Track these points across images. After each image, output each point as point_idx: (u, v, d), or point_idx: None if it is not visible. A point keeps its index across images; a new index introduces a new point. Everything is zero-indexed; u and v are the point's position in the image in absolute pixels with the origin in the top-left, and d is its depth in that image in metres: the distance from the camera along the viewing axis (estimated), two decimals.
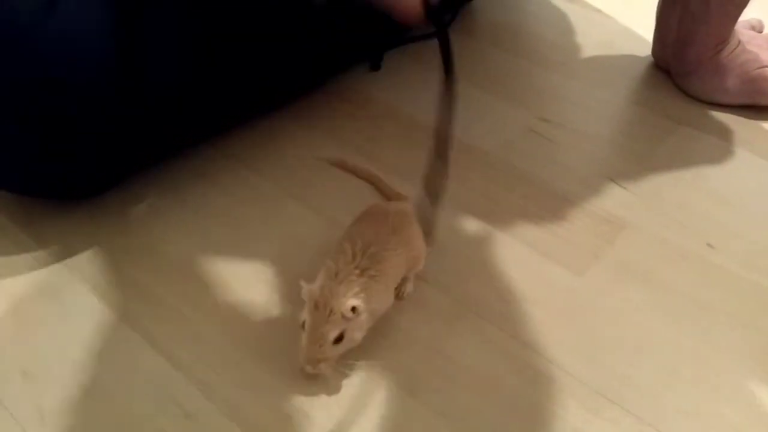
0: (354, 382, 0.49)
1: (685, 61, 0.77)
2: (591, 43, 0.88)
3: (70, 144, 0.56)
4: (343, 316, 0.45)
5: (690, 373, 0.50)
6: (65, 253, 0.59)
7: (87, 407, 0.48)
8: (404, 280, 0.53)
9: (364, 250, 0.48)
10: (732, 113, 0.75)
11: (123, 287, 0.56)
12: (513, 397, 0.48)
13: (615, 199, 0.64)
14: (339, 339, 0.46)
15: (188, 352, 0.51)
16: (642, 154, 0.70)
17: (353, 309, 0.45)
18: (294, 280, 0.55)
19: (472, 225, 0.61)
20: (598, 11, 0.94)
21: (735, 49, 0.75)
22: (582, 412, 0.47)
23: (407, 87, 0.79)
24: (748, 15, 0.77)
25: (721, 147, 0.70)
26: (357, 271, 0.47)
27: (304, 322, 0.46)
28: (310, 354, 0.46)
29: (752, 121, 0.74)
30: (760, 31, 0.85)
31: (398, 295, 0.53)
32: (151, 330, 0.52)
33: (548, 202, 0.63)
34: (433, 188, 0.52)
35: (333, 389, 0.48)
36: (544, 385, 0.49)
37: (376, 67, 0.81)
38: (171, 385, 0.49)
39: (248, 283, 0.56)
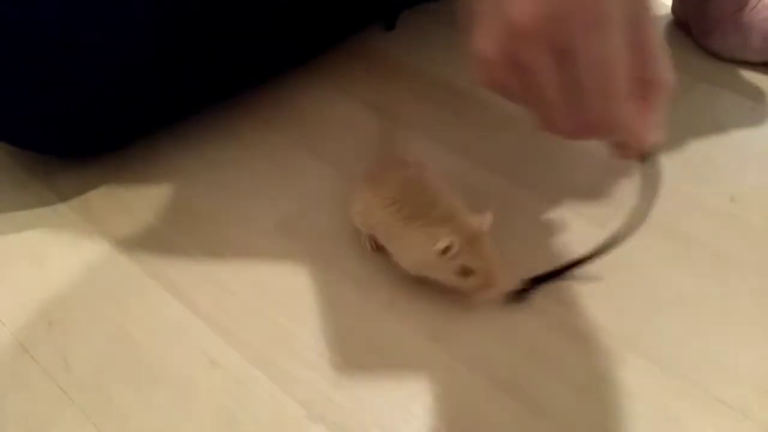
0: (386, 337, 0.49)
1: (707, 18, 0.76)
2: None
3: (81, 103, 0.56)
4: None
5: (714, 323, 0.50)
6: (86, 206, 0.59)
7: (111, 355, 0.48)
8: None
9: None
10: (753, 70, 0.74)
11: (144, 239, 0.56)
12: (539, 349, 0.48)
13: None
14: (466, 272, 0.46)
15: (211, 300, 0.51)
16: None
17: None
18: (313, 233, 0.56)
19: (490, 179, 0.61)
20: None
21: (757, 5, 0.74)
22: (608, 362, 0.47)
23: (424, 45, 0.78)
24: None
25: (742, 103, 0.70)
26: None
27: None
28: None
29: None
30: None
31: None
32: (173, 279, 0.53)
33: (570, 158, 0.63)
34: None
35: (368, 341, 0.48)
36: (570, 334, 0.49)
37: (390, 26, 0.80)
38: (194, 334, 0.49)
39: (268, 236, 0.56)
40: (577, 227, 0.56)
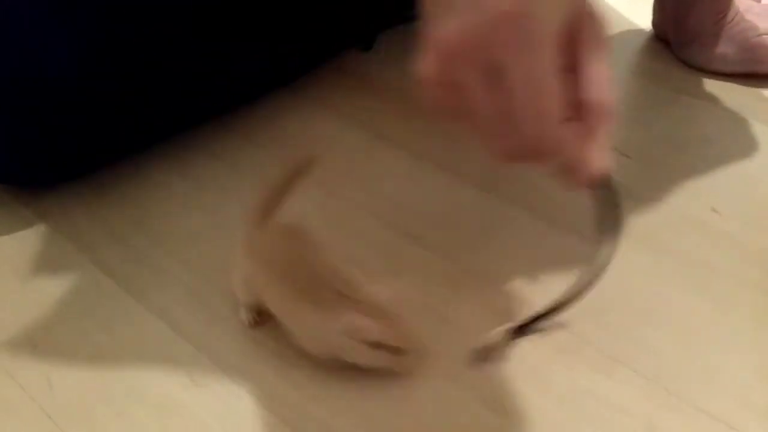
0: None
1: (685, 30, 0.77)
2: None
3: (34, 134, 0.57)
4: None
5: (698, 334, 0.50)
6: (69, 227, 0.59)
7: (94, 376, 0.48)
8: None
9: None
10: (732, 81, 0.75)
11: (128, 260, 0.56)
12: (522, 362, 0.48)
13: (619, 167, 0.64)
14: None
15: (194, 320, 0.51)
16: (644, 123, 0.70)
17: None
18: None
19: (471, 195, 0.61)
20: None
21: (734, 17, 0.75)
22: (592, 373, 0.47)
23: (401, 62, 0.78)
24: None
25: (722, 115, 0.70)
26: None
27: None
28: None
29: (752, 89, 0.74)
30: (759, 0, 0.85)
31: None
32: (156, 299, 0.52)
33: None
34: None
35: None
36: (554, 348, 0.49)
37: (368, 48, 0.81)
38: (177, 353, 0.49)
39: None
40: (557, 239, 0.56)
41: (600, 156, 0.36)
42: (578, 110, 0.35)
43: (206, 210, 0.60)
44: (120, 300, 0.53)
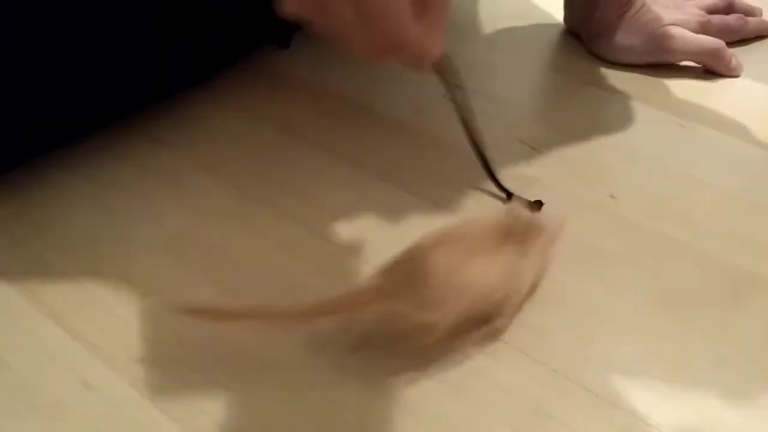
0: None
1: (593, 24, 0.79)
2: (505, 12, 0.89)
3: None
4: None
5: (590, 318, 0.51)
6: None
7: None
8: None
9: None
10: (638, 72, 0.77)
11: (21, 261, 0.55)
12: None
13: (524, 158, 0.65)
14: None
15: (88, 321, 0.50)
16: (551, 115, 0.71)
17: None
18: (201, 249, 0.56)
19: (382, 188, 0.61)
20: None
21: (640, 9, 0.77)
22: (479, 355, 0.48)
23: (323, 60, 0.79)
24: None
25: (625, 104, 0.72)
26: None
27: None
28: None
29: (656, 79, 0.76)
30: None
31: None
32: (49, 302, 0.52)
33: (458, 164, 0.64)
34: None
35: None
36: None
37: (285, 45, 0.81)
38: (69, 356, 0.48)
39: (154, 254, 0.55)
40: None
41: (439, 44, 0.43)
42: (422, 4, 0.40)
43: (108, 211, 0.59)
44: (10, 302, 0.52)
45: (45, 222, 0.58)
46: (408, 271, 0.45)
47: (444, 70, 0.52)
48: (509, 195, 0.59)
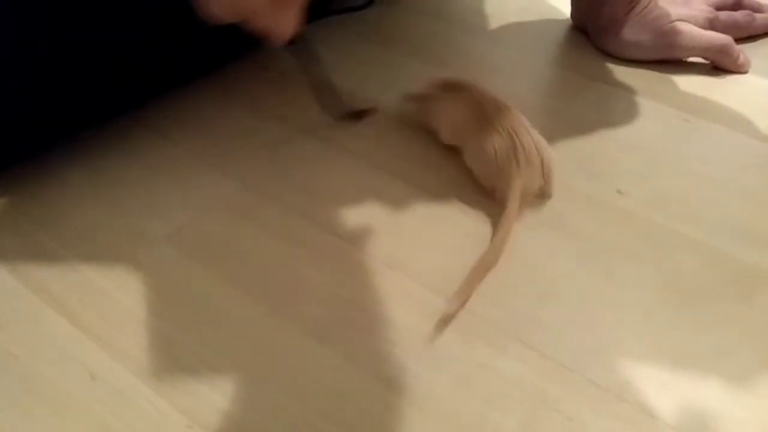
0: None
1: (601, 19, 0.78)
2: (511, 8, 0.89)
3: None
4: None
5: (597, 312, 0.51)
6: None
7: None
8: None
9: None
10: (645, 68, 0.77)
11: (27, 254, 0.55)
12: (420, 341, 0.48)
13: None
14: None
15: (94, 312, 0.50)
16: (557, 111, 0.71)
17: None
18: (207, 243, 0.56)
19: (386, 182, 0.61)
20: None
21: (648, 5, 0.77)
22: (487, 348, 0.48)
23: (326, 56, 0.78)
24: None
25: (632, 99, 0.72)
26: None
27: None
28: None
29: (663, 74, 0.76)
30: None
31: None
32: (55, 293, 0.52)
33: (463, 159, 0.64)
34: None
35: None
36: (451, 328, 0.49)
37: (290, 41, 0.81)
38: (75, 347, 0.48)
39: (159, 247, 0.55)
40: (465, 223, 0.57)
41: (291, 23, 0.49)
42: None
43: (114, 205, 0.59)
44: (18, 294, 0.52)
45: (51, 215, 0.58)
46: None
47: (299, 52, 0.59)
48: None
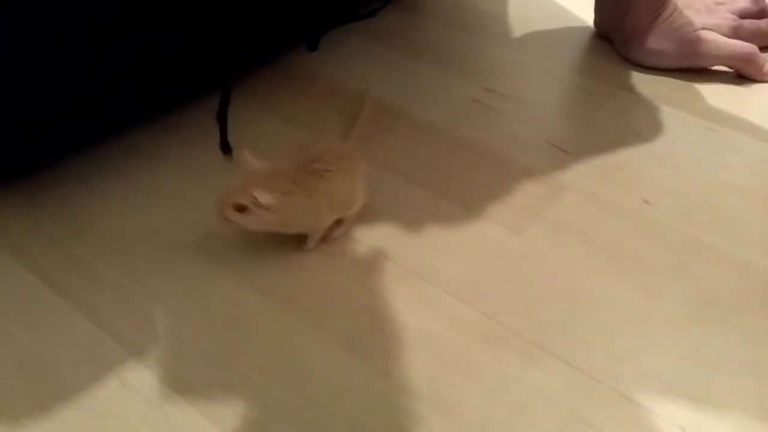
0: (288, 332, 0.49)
1: (624, 28, 0.78)
2: (534, 15, 0.89)
3: None
4: (253, 200, 0.49)
5: (626, 324, 0.50)
6: (1, 232, 0.58)
7: (24, 381, 0.47)
8: (338, 223, 0.56)
9: (308, 162, 0.53)
10: (669, 76, 0.76)
11: (59, 262, 0.55)
12: (450, 352, 0.48)
13: (555, 162, 0.65)
14: (240, 209, 0.50)
15: (126, 321, 0.51)
16: (582, 119, 0.71)
17: (256, 201, 0.49)
18: (235, 251, 0.56)
19: (412, 191, 0.61)
20: None
21: (672, 13, 0.77)
22: (519, 362, 0.48)
23: (349, 62, 0.79)
24: None
25: (658, 108, 0.72)
26: (293, 178, 0.52)
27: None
28: (220, 201, 0.51)
29: (688, 83, 0.75)
30: None
31: (326, 236, 0.56)
32: (87, 300, 0.52)
33: (489, 168, 0.64)
34: None
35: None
36: (481, 338, 0.49)
37: (313, 47, 0.81)
38: (107, 355, 0.49)
39: (187, 254, 0.56)
40: (493, 233, 0.57)
41: None
42: None
43: (141, 212, 0.60)
44: (50, 303, 0.52)
45: (81, 222, 0.59)
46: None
47: None
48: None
